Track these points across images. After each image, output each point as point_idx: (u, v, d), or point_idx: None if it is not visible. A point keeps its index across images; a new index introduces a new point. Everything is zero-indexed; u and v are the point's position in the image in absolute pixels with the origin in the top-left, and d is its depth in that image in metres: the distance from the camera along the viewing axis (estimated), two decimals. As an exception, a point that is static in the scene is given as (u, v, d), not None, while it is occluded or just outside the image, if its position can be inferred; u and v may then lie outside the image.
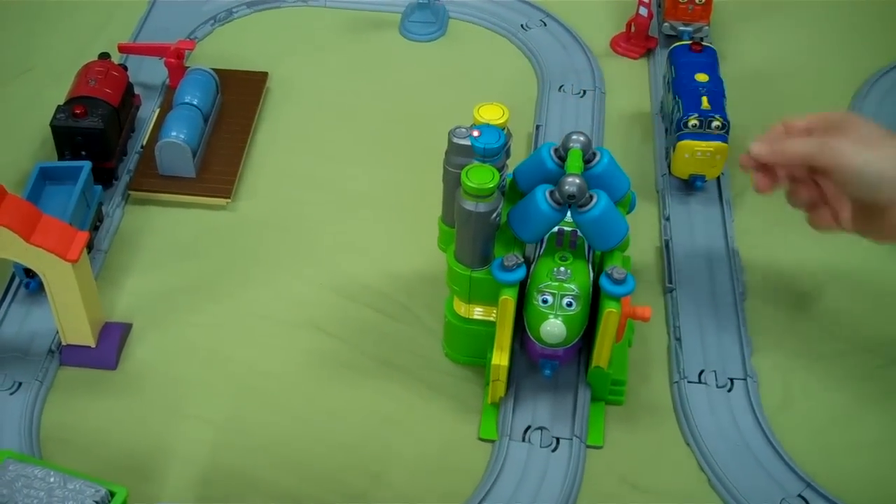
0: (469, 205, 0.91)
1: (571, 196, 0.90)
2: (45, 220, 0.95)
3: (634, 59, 1.39)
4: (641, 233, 1.15)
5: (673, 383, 1.02)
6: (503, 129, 0.96)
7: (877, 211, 0.91)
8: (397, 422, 0.99)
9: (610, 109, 1.31)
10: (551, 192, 0.92)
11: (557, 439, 0.97)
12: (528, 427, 0.98)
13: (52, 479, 0.83)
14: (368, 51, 1.39)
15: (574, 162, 0.93)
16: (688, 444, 0.98)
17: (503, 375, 0.97)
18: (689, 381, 1.02)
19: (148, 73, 1.32)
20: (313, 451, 0.96)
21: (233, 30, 1.42)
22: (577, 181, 0.90)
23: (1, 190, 0.93)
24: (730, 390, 1.01)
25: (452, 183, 0.97)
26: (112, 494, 0.84)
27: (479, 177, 0.90)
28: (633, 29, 1.39)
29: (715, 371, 1.02)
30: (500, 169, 0.94)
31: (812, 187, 0.96)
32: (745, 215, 1.18)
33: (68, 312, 0.99)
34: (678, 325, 1.06)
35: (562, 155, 0.95)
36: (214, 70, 1.27)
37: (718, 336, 1.05)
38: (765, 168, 0.95)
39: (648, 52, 1.39)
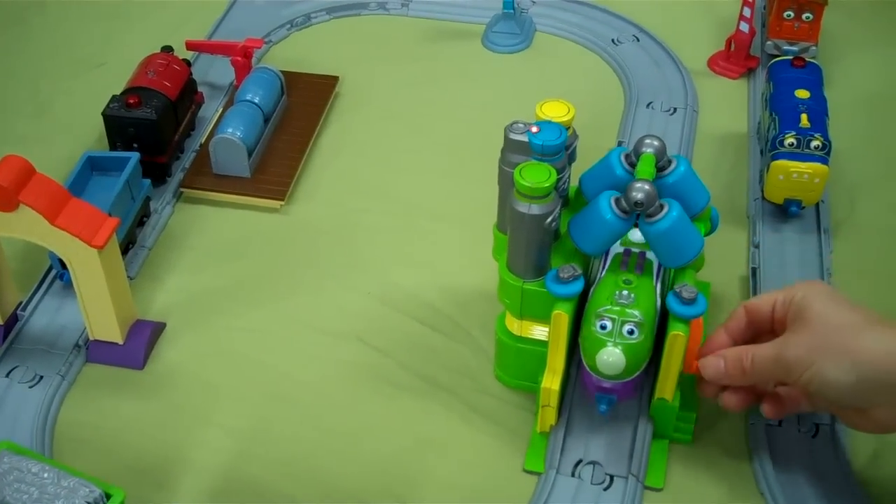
0: (522, 206, 0.82)
1: (639, 203, 0.81)
2: (73, 203, 0.89)
3: (733, 79, 1.29)
4: (727, 260, 1.05)
5: (749, 424, 0.91)
6: (567, 127, 0.87)
7: (858, 410, 0.81)
8: (435, 445, 0.90)
9: (702, 129, 1.22)
10: (617, 199, 0.82)
11: (611, 476, 0.86)
12: (580, 461, 0.88)
13: (45, 476, 0.77)
14: (447, 61, 1.33)
15: (645, 167, 0.84)
16: (761, 493, 0.86)
17: (554, 401, 0.88)
18: (767, 423, 0.90)
19: (217, 73, 1.28)
20: (339, 469, 0.88)
21: (310, 35, 1.37)
22: (647, 187, 0.81)
23: (29, 168, 0.88)
24: (814, 436, 0.90)
25: (507, 184, 0.88)
26: (108, 496, 0.77)
27: (534, 175, 0.82)
28: (732, 47, 1.29)
29: (798, 414, 0.91)
30: (561, 170, 0.85)
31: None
32: (845, 247, 1.07)
33: (95, 305, 0.93)
34: (760, 361, 0.95)
35: (633, 161, 0.86)
36: (284, 72, 1.21)
37: (805, 375, 0.94)
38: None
39: (749, 72, 1.29)
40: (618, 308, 0.82)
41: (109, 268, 0.91)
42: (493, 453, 0.89)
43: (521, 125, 0.86)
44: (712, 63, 1.31)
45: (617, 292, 0.83)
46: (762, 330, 0.85)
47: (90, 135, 1.20)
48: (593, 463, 0.87)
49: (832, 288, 0.82)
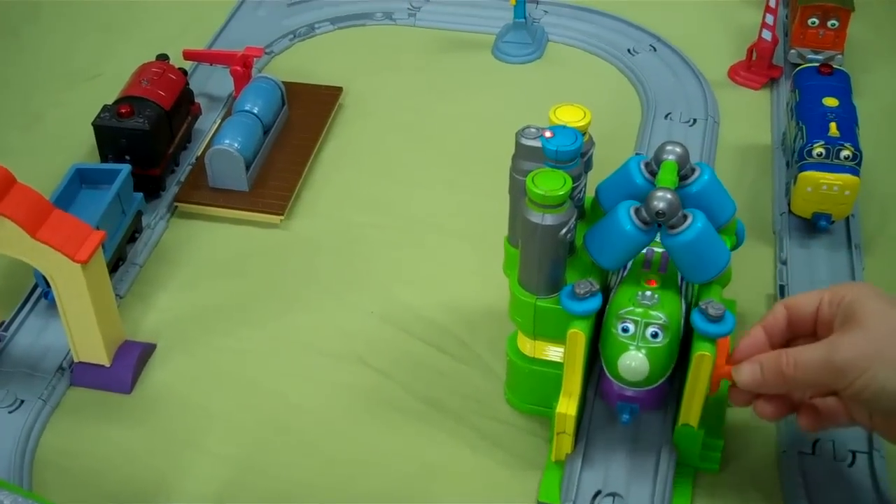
0: (535, 216, 0.77)
1: (661, 213, 0.75)
2: (56, 214, 0.84)
3: (755, 89, 1.23)
4: (752, 277, 0.99)
5: (781, 452, 0.85)
6: (583, 133, 0.82)
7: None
8: (441, 474, 0.84)
9: (723, 141, 1.16)
10: (637, 209, 0.77)
11: (632, 509, 0.80)
12: (598, 492, 0.81)
13: (14, 507, 0.71)
14: (456, 72, 1.28)
15: (667, 175, 0.78)
16: (794, 527, 0.80)
17: (570, 427, 0.81)
18: (801, 452, 0.84)
19: (216, 84, 1.24)
20: (338, 500, 0.83)
21: (313, 46, 1.33)
22: (668, 196, 0.75)
23: (9, 178, 0.83)
24: (850, 465, 0.83)
25: (519, 193, 0.82)
26: (83, 531, 0.71)
27: (548, 183, 0.76)
28: (754, 56, 1.23)
29: (833, 441, 0.85)
30: (576, 178, 0.79)
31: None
32: (878, 263, 1.01)
33: (79, 324, 0.88)
34: (791, 385, 0.89)
35: (654, 170, 0.80)
36: (285, 83, 1.16)
37: (839, 400, 0.88)
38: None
39: (771, 82, 1.23)
40: (640, 310, 0.77)
41: (94, 284, 0.85)
42: (504, 483, 0.84)
43: (533, 130, 0.81)
44: (733, 73, 1.25)
45: (640, 293, 0.78)
46: (802, 332, 0.78)
47: (82, 147, 1.15)
48: (613, 494, 0.81)
49: (881, 290, 0.75)
